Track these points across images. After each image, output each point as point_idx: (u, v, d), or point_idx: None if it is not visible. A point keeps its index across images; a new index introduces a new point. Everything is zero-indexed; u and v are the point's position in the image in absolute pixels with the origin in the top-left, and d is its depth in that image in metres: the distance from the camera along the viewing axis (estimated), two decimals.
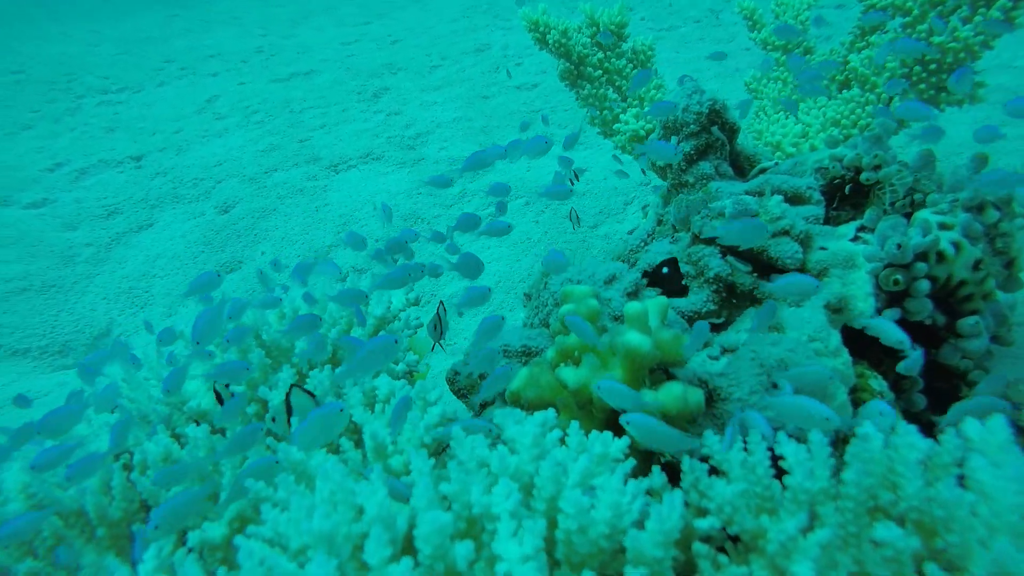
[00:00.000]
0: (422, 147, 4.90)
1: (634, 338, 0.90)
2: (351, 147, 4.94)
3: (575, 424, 0.83)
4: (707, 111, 1.74)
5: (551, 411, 0.86)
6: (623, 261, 1.69)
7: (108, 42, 8.37)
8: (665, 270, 1.09)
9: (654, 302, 1.01)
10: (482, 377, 1.41)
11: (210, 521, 0.86)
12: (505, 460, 0.69)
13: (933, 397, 1.42)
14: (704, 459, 0.88)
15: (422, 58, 6.57)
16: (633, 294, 1.23)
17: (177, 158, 5.04)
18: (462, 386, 1.47)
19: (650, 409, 0.84)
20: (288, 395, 0.98)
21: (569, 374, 0.92)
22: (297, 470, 0.83)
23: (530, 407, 1.07)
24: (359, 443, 0.99)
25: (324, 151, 4.94)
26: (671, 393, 0.87)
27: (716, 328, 1.37)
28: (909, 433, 0.72)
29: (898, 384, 1.41)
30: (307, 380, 1.02)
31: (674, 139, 1.72)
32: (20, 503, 0.96)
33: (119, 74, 6.89)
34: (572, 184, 1.67)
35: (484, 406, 1.46)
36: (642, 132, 2.86)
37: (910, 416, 1.38)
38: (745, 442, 0.81)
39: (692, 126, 1.74)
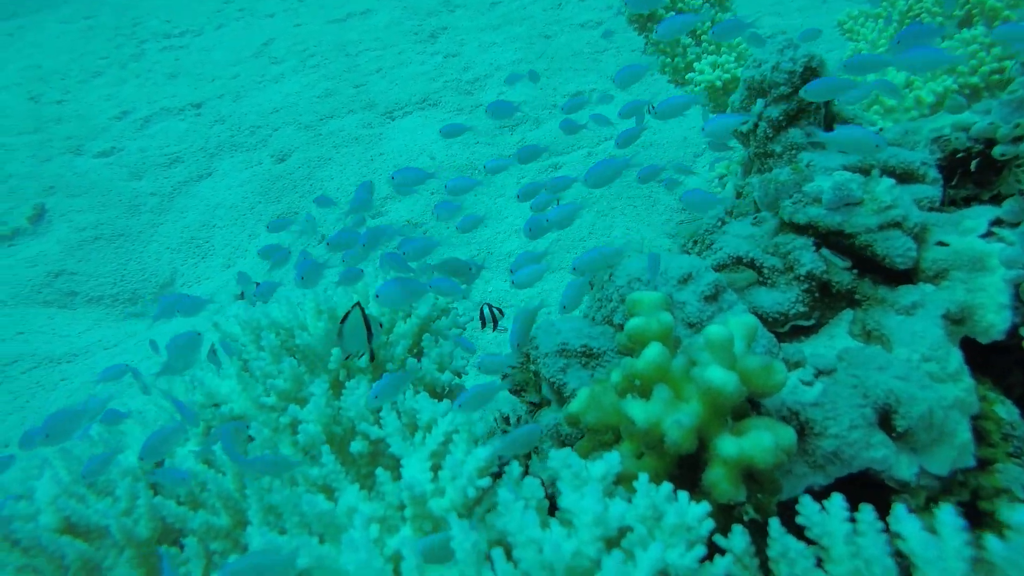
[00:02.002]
0: (480, 92, 4.69)
1: (717, 376, 0.75)
2: (407, 92, 4.77)
3: (644, 478, 0.71)
4: (801, 69, 1.51)
5: (615, 460, 0.74)
6: (696, 242, 1.51)
7: None
8: None
9: (740, 323, 0.86)
10: (537, 376, 1.30)
11: (238, 556, 0.80)
12: (560, 550, 0.58)
13: None
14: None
15: None
16: (712, 297, 1.07)
17: (235, 105, 5.01)
18: (516, 382, 1.37)
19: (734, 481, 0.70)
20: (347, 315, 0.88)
21: (638, 410, 0.79)
22: (324, 521, 0.75)
23: (590, 431, 0.95)
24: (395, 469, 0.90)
25: (380, 97, 4.79)
26: (760, 444, 0.73)
27: (804, 331, 1.20)
28: None
29: None
30: (343, 396, 0.93)
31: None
32: (51, 515, 0.93)
33: (180, 17, 6.86)
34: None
35: (537, 406, 1.35)
36: (719, 83, 2.59)
37: None
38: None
39: (783, 87, 1.51)
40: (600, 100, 2.84)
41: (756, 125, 1.61)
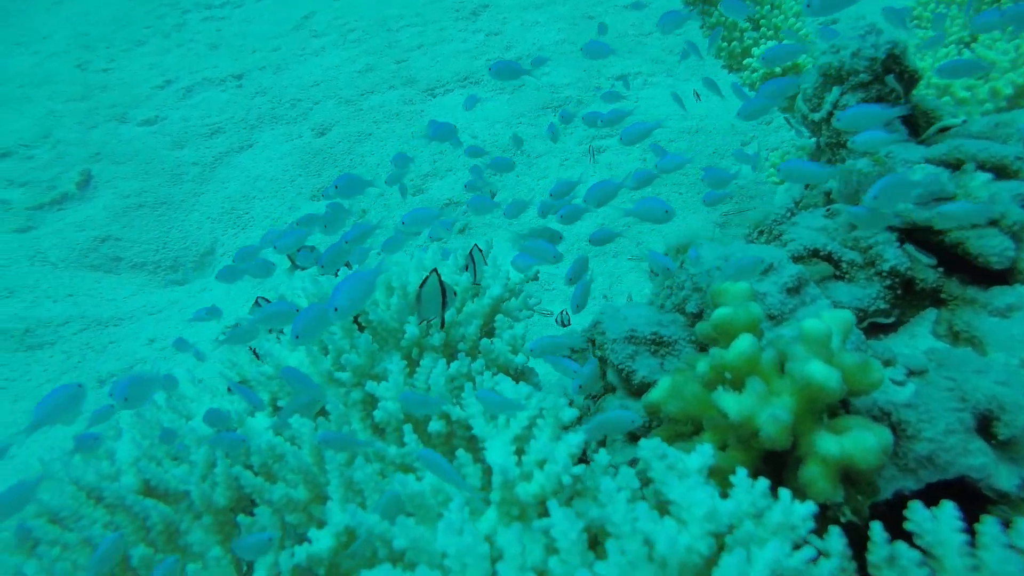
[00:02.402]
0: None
1: (819, 371, 0.73)
2: (448, 70, 4.74)
3: (742, 473, 0.69)
4: (884, 56, 1.45)
5: (708, 452, 0.72)
6: (762, 232, 1.47)
7: None
8: None
9: (836, 317, 0.83)
10: (603, 361, 1.28)
11: (317, 530, 0.80)
12: (675, 544, 0.57)
13: None
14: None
15: None
16: (794, 290, 1.04)
17: (275, 77, 5.01)
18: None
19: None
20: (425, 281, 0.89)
21: (731, 403, 0.77)
22: (415, 502, 0.74)
23: (670, 421, 0.93)
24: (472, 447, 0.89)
25: (421, 73, 4.76)
26: (863, 444, 0.70)
27: (883, 329, 1.16)
28: None
29: None
30: (416, 374, 0.93)
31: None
32: (132, 476, 0.94)
33: None
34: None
35: (600, 392, 1.33)
36: (777, 70, 2.51)
37: None
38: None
39: (863, 75, 1.45)
40: (684, 56, 2.66)
41: (830, 114, 1.56)
